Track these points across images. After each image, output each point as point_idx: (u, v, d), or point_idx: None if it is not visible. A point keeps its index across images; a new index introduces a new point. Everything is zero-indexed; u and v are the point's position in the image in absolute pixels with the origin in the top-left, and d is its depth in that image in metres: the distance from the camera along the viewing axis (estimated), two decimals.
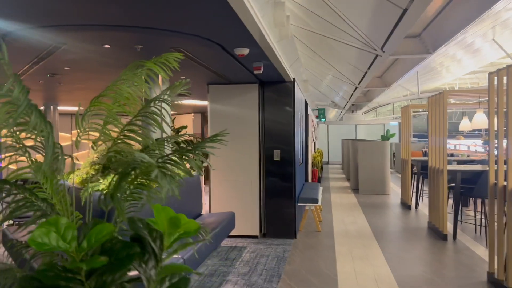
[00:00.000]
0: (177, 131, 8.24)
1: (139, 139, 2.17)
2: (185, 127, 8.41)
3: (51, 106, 9.53)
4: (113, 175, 1.87)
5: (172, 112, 11.78)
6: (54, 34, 3.72)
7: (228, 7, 2.81)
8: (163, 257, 1.61)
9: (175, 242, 1.66)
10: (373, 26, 6.60)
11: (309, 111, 12.00)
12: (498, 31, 9.26)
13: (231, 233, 6.13)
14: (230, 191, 6.66)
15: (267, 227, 6.64)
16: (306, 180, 10.59)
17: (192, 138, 8.12)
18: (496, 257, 4.33)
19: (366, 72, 9.61)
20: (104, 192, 1.86)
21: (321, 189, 8.36)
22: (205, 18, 3.40)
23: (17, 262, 2.53)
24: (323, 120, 22.01)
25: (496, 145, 4.30)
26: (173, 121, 9.30)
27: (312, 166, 13.31)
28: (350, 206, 9.38)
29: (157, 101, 2.22)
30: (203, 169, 8.03)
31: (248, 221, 6.55)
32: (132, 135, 2.21)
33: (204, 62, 4.97)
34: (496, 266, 4.31)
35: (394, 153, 19.43)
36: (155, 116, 2.22)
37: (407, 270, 4.99)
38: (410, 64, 9.49)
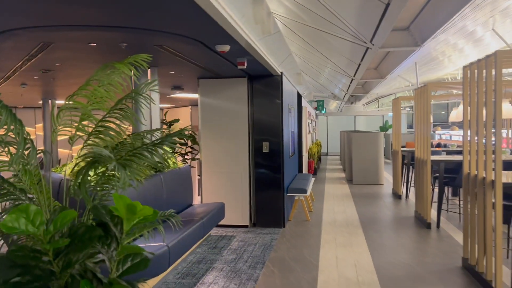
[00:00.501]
0: (169, 124, 8.35)
1: (112, 133, 2.35)
2: (177, 120, 8.49)
3: (49, 101, 9.66)
4: (80, 167, 2.04)
5: (168, 105, 11.95)
6: (41, 34, 3.83)
7: (197, 7, 2.94)
8: (124, 238, 1.81)
9: (135, 226, 1.85)
10: (361, 20, 6.69)
11: (304, 103, 12.06)
12: (498, 20, 9.28)
13: (222, 223, 6.28)
14: (221, 182, 6.79)
15: (257, 217, 6.78)
16: (300, 171, 10.73)
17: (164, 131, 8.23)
18: (469, 244, 4.50)
19: (359, 64, 9.73)
20: (72, 182, 2.05)
21: (312, 180, 8.49)
22: (181, 18, 3.49)
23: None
24: (323, 111, 22.03)
25: (469, 135, 4.42)
26: (165, 114, 9.40)
27: (308, 157, 13.46)
28: (342, 197, 9.51)
29: (127, 99, 2.39)
30: (191, 161, 8.17)
31: (239, 211, 6.70)
32: (109, 131, 2.39)
33: (190, 58, 5.04)
34: (469, 250, 4.50)
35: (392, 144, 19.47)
36: (125, 112, 2.38)
37: (387, 257, 5.11)
38: (402, 56, 9.60)
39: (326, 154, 23.30)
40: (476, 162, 4.22)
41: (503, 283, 3.92)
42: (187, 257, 5.15)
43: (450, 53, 11.95)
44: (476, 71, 4.21)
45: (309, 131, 15.50)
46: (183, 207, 5.77)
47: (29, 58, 4.76)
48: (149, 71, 5.42)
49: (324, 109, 21.42)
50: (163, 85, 7.32)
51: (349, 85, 13.88)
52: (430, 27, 7.06)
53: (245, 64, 5.18)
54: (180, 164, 6.37)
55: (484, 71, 4.00)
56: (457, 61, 12.53)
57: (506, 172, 5.13)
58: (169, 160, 5.71)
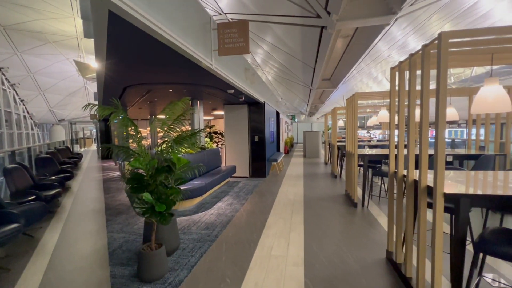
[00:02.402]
0: (210, 127, 8.84)
1: (177, 129, 2.91)
2: (213, 125, 8.98)
3: (153, 116, 10.25)
4: (162, 143, 2.63)
5: (212, 118, 12.42)
6: (147, 86, 4.43)
7: (216, 77, 3.49)
8: (177, 172, 2.42)
9: (182, 167, 2.46)
10: (305, 75, 6.97)
11: (281, 116, 12.20)
12: (388, 71, 9.38)
13: (234, 175, 6.80)
14: (235, 155, 7.13)
15: (252, 172, 7.10)
16: (278, 150, 10.88)
17: (210, 130, 8.63)
18: (346, 181, 4.79)
19: (309, 97, 10.11)
20: (158, 150, 2.64)
21: (283, 155, 8.77)
22: (211, 80, 3.89)
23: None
24: (296, 120, 22.34)
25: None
26: (208, 122, 9.89)
27: (285, 144, 13.84)
28: (299, 163, 9.56)
29: (180, 116, 2.97)
30: (221, 145, 8.54)
31: (244, 169, 7.08)
32: (176, 129, 2.95)
33: (216, 96, 5.45)
34: (347, 187, 4.84)
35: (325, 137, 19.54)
36: (180, 121, 2.94)
37: (311, 190, 5.34)
38: (329, 92, 9.83)
39: (296, 143, 23.55)
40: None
41: (358, 198, 4.23)
42: (216, 190, 5.58)
43: (364, 87, 12.00)
44: (350, 101, 4.57)
45: (286, 131, 15.80)
46: (215, 167, 6.23)
47: (142, 96, 5.26)
48: (198, 102, 5.99)
49: (296, 119, 21.73)
50: (206, 107, 7.84)
51: (307, 107, 14.23)
52: (339, 78, 7.34)
53: (243, 98, 5.59)
54: (214, 147, 6.94)
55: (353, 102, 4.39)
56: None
57: (366, 149, 4.94)
58: (208, 145, 6.28)
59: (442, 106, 1.61)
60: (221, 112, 9.07)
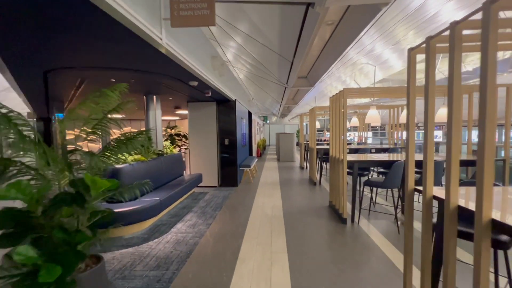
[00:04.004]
0: (171, 128, 7.84)
1: (101, 132, 1.99)
2: (176, 126, 8.00)
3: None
4: (70, 151, 1.69)
5: (176, 118, 11.30)
6: (77, 73, 3.36)
7: (171, 62, 2.63)
8: (91, 200, 1.50)
9: (102, 192, 1.55)
10: (280, 72, 6.47)
11: (254, 117, 11.67)
12: (357, 74, 9.29)
13: (201, 185, 5.95)
14: (201, 161, 6.35)
15: (221, 181, 6.39)
16: (251, 154, 10.41)
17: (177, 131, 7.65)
18: (333, 193, 4.35)
19: (283, 97, 9.56)
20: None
21: (256, 159, 8.20)
22: (168, 69, 3.10)
23: None
24: (267, 122, 21.87)
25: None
26: (169, 123, 8.83)
27: (257, 147, 13.23)
28: (273, 168, 9.19)
29: (112, 111, 2.05)
30: (184, 150, 7.61)
31: (212, 177, 6.32)
32: (101, 130, 2.03)
33: (176, 89, 4.59)
34: (334, 198, 4.34)
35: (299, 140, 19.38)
36: (116, 122, 2.03)
37: (291, 202, 4.87)
38: (305, 91, 9.45)
39: (269, 145, 23.18)
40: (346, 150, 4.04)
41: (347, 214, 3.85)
42: (177, 205, 4.74)
43: (333, 90, 11.97)
44: (336, 98, 4.08)
45: (258, 133, 15.22)
46: (176, 176, 5.36)
47: (76, 88, 4.15)
48: (154, 97, 5.00)
49: (268, 120, 21.26)
50: (166, 105, 6.83)
51: (279, 108, 13.73)
52: (316, 77, 6.95)
53: (210, 93, 4.82)
54: (176, 151, 5.98)
55: (342, 99, 3.89)
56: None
57: (353, 154, 4.63)
58: (168, 149, 5.31)
59: None
60: (184, 112, 8.10)
